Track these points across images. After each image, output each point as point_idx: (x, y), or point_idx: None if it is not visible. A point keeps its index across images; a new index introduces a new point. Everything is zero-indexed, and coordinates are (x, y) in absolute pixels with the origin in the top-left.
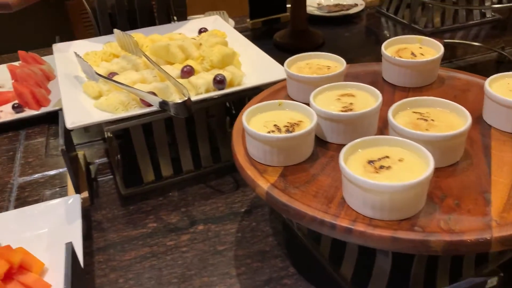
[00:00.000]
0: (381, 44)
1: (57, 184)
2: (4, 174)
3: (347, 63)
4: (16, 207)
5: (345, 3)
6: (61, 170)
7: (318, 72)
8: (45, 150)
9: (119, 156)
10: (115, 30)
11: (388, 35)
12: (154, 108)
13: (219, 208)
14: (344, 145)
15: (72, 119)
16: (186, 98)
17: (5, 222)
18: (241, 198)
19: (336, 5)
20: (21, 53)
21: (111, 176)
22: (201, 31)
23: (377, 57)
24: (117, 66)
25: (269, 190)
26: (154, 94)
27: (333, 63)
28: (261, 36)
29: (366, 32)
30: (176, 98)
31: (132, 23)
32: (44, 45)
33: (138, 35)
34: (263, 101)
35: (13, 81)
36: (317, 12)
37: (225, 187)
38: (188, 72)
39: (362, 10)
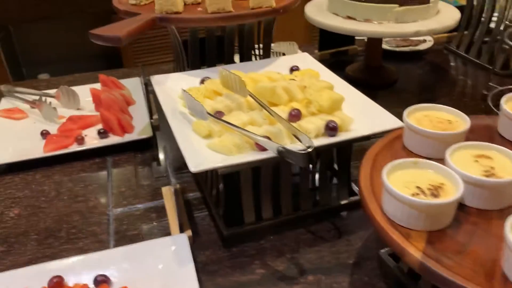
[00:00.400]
0: (457, 84)
1: (154, 218)
2: (99, 204)
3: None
4: (116, 241)
5: (413, 38)
6: (155, 202)
7: (439, 126)
8: (136, 179)
9: (216, 193)
10: (220, 69)
11: (461, 75)
12: (270, 153)
13: (325, 258)
14: (485, 210)
15: (195, 163)
16: (308, 147)
17: (114, 260)
18: (346, 247)
19: (404, 40)
20: (102, 77)
21: (206, 213)
22: (293, 69)
23: (455, 99)
24: (222, 104)
25: (424, 261)
26: (268, 138)
27: (454, 117)
28: (330, 68)
29: (438, 70)
30: (287, 142)
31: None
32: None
33: (238, 73)
34: (381, 152)
35: (94, 104)
36: (384, 46)
37: (326, 233)
38: (296, 116)
39: (430, 47)
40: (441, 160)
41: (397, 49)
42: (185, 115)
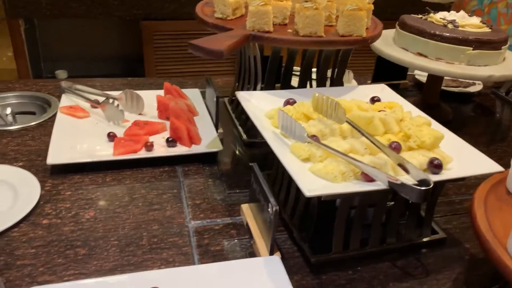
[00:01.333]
0: (509, 130)
1: (234, 234)
2: (176, 214)
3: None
4: (200, 254)
5: (462, 80)
6: (233, 219)
7: None
8: (209, 193)
9: (301, 216)
10: (314, 93)
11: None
12: (379, 185)
13: None
14: None
15: (308, 187)
16: (423, 182)
17: (209, 276)
18: (436, 286)
19: (454, 81)
20: (166, 84)
21: (286, 235)
22: (374, 99)
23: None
24: (315, 129)
25: None
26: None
27: None
28: None
29: (488, 114)
30: (392, 175)
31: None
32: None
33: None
34: (488, 196)
35: (158, 111)
36: None
37: (413, 270)
38: (396, 148)
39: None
40: None
41: (447, 88)
42: (277, 135)
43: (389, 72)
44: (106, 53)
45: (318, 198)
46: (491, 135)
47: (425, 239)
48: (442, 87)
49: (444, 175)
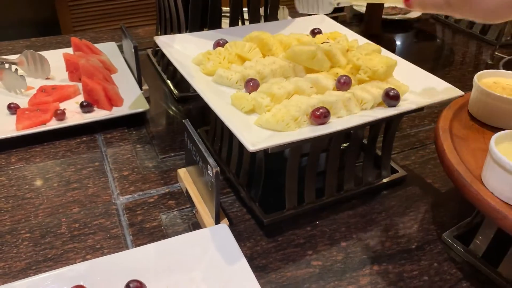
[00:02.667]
0: (455, 54)
1: (173, 205)
2: (101, 191)
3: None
4: (134, 235)
5: (401, 7)
6: (170, 187)
7: None
8: (138, 161)
9: (247, 173)
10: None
11: (457, 45)
12: (331, 127)
13: (384, 244)
14: None
15: (251, 140)
16: None
17: (146, 261)
18: (404, 231)
19: (393, 8)
20: (74, 40)
21: (234, 197)
22: (315, 32)
23: (459, 69)
24: (252, 71)
25: None
26: (326, 109)
27: None
28: None
29: (431, 39)
30: (344, 114)
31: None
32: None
33: (265, 34)
34: (452, 124)
35: (67, 72)
36: None
37: (376, 216)
38: (346, 83)
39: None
40: None
41: (387, 17)
42: (209, 83)
43: None
44: (15, 19)
45: (265, 151)
46: (436, 60)
47: (385, 180)
48: (383, 17)
49: (403, 106)
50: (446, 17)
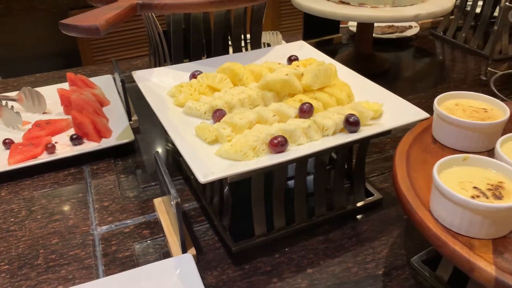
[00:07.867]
0: (450, 70)
1: (147, 235)
2: (80, 222)
3: (420, 93)
4: (106, 265)
5: (398, 25)
6: (146, 217)
7: (474, 115)
8: (120, 191)
9: (218, 201)
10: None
11: (452, 61)
12: (288, 155)
13: (351, 270)
14: None
15: (204, 172)
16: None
17: None
18: (372, 256)
19: (390, 27)
20: (69, 75)
21: (207, 225)
22: (292, 59)
23: (453, 86)
24: (221, 101)
25: (500, 276)
26: (284, 138)
27: (488, 104)
28: None
29: (428, 56)
30: (304, 141)
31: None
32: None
33: (236, 65)
34: (412, 148)
35: (62, 107)
36: None
37: (346, 241)
38: (307, 112)
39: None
40: (481, 154)
41: (384, 36)
42: (180, 115)
43: (319, 28)
44: (38, 51)
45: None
46: (433, 77)
47: (358, 204)
48: (379, 35)
49: (364, 132)
50: (444, 32)
